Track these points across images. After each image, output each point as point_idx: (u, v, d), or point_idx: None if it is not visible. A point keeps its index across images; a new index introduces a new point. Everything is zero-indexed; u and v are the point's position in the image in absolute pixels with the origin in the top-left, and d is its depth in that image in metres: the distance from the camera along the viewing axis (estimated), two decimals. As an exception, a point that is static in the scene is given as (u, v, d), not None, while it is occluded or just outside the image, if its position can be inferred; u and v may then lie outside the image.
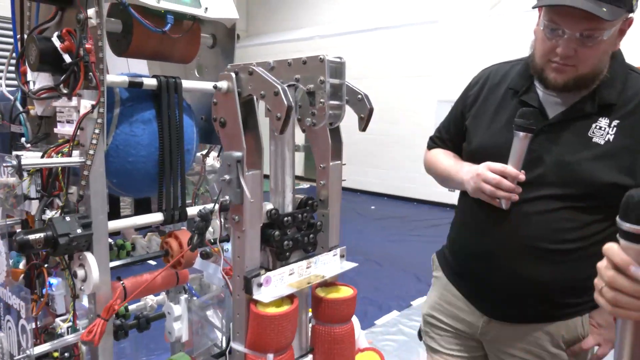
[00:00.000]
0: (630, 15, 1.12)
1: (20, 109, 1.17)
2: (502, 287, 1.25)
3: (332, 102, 0.82)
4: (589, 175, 1.13)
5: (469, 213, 1.33)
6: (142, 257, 1.27)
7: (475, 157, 1.28)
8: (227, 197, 0.79)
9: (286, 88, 0.75)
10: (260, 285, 0.82)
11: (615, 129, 1.15)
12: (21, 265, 1.20)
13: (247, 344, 0.83)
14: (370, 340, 3.08)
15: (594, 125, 1.16)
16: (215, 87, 0.79)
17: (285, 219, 0.87)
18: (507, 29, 6.49)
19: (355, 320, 1.19)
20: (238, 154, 0.78)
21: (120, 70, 1.38)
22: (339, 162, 0.97)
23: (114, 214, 1.38)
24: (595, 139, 1.15)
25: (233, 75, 0.79)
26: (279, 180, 0.90)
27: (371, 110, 0.90)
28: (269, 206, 0.87)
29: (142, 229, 1.47)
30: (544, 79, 1.18)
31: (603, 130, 1.16)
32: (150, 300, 1.60)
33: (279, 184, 0.90)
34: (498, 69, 1.39)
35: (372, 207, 7.70)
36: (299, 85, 0.83)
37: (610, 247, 0.69)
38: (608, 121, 1.16)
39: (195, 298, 1.54)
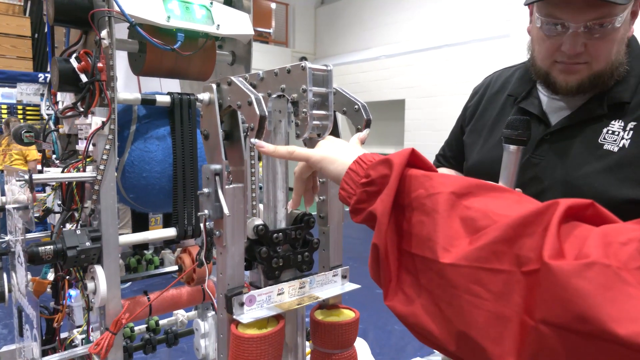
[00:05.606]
0: None
1: (53, 128, 1.24)
2: None
3: (317, 112, 0.78)
4: (600, 191, 0.95)
5: None
6: (155, 273, 1.28)
7: (473, 177, 1.14)
8: (206, 211, 0.77)
9: (260, 97, 0.72)
10: (242, 304, 0.78)
11: (631, 132, 0.96)
12: (49, 277, 1.26)
13: (228, 366, 0.78)
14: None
15: (605, 130, 0.98)
16: (196, 99, 0.78)
17: (275, 235, 0.83)
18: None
19: (365, 346, 1.11)
20: (217, 166, 0.76)
21: (153, 89, 1.44)
22: (340, 176, 0.91)
23: (144, 228, 1.42)
24: (607, 146, 0.97)
25: (214, 86, 0.77)
26: (271, 194, 0.86)
27: (368, 122, 0.84)
28: (257, 221, 0.83)
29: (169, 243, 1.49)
30: (553, 84, 1.01)
31: (617, 135, 0.97)
32: (181, 315, 1.62)
33: (271, 199, 0.86)
34: (499, 75, 1.25)
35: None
36: (286, 96, 0.79)
37: None
38: (622, 124, 0.97)
39: (221, 316, 1.53)
